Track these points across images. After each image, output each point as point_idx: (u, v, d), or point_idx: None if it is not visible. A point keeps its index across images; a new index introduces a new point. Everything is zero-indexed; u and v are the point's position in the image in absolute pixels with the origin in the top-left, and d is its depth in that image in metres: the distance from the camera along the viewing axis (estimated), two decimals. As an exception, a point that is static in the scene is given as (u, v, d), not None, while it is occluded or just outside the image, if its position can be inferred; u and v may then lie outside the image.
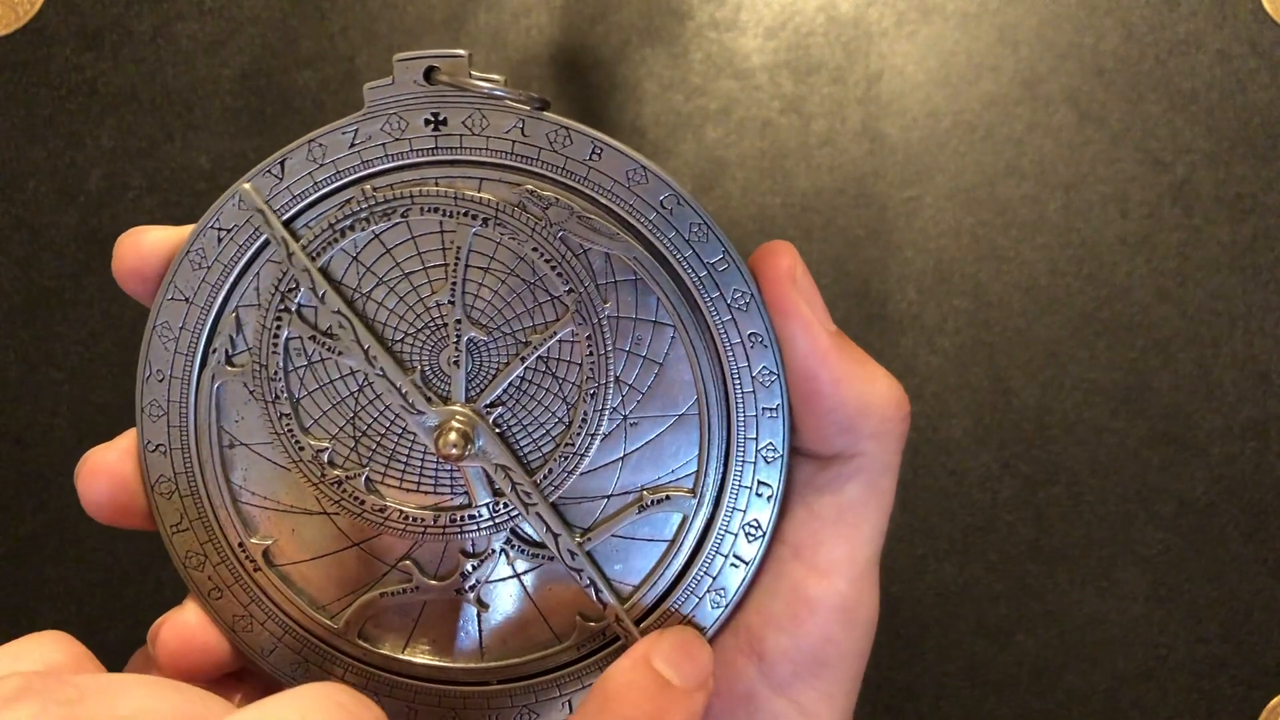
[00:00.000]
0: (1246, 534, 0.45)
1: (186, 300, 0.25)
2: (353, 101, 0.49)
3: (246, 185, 0.25)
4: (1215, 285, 0.46)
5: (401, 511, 0.26)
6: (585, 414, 0.25)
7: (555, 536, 0.26)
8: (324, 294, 0.25)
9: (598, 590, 0.26)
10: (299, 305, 0.25)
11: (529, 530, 0.26)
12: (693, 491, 0.26)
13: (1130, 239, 0.46)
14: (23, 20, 0.48)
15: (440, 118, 0.24)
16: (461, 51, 0.24)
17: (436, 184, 0.25)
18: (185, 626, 0.26)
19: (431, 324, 0.25)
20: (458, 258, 0.25)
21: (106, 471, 0.26)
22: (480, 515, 0.26)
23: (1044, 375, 0.46)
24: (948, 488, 0.46)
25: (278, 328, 0.26)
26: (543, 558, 0.26)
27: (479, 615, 0.27)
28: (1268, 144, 0.46)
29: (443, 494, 0.26)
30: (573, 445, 0.26)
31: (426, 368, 0.26)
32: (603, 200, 0.25)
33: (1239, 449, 0.45)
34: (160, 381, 0.26)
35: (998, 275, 0.46)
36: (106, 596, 0.45)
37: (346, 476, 0.26)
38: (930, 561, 0.45)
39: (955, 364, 0.46)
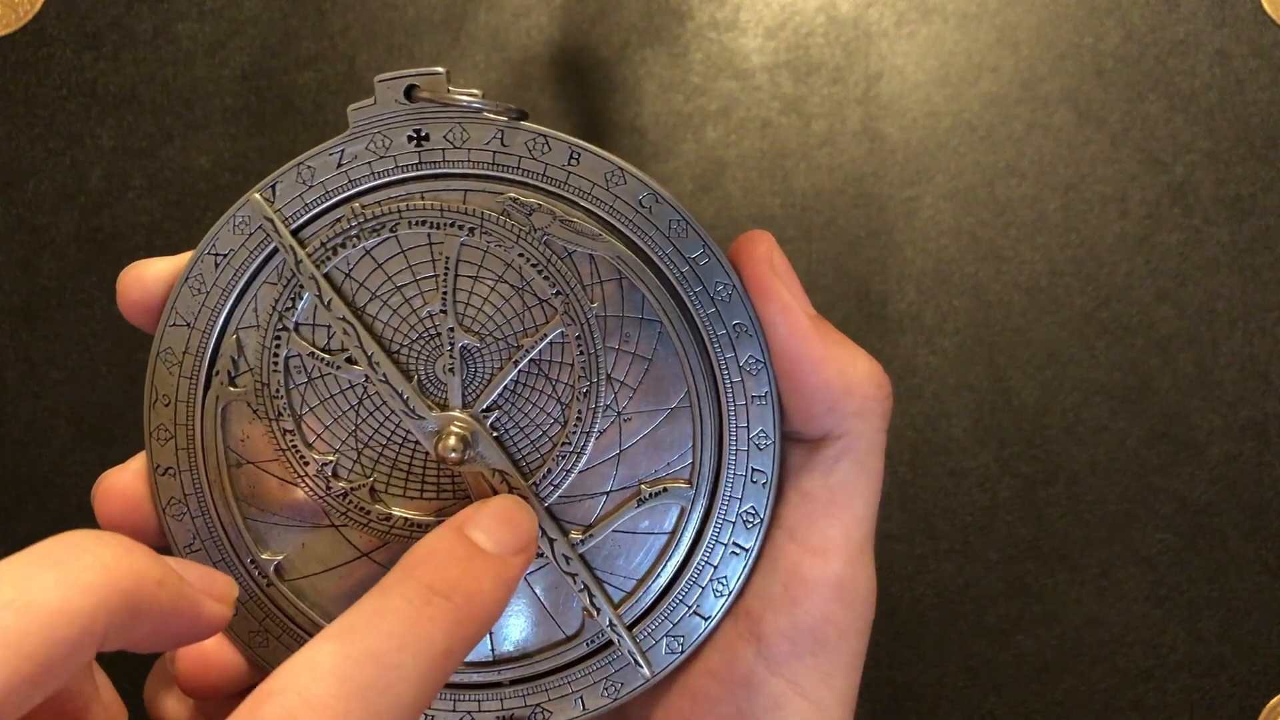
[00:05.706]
0: (1246, 534, 0.45)
1: (188, 325, 0.26)
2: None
3: (256, 195, 0.25)
4: (1215, 285, 0.46)
5: (407, 519, 0.26)
6: (580, 412, 0.26)
7: (551, 541, 0.26)
8: (330, 301, 0.26)
9: (591, 595, 0.26)
10: (296, 323, 0.26)
11: None
12: (689, 482, 0.26)
13: (1130, 239, 0.46)
14: (23, 20, 0.48)
15: (422, 133, 0.25)
16: (440, 69, 0.25)
17: (422, 198, 0.25)
18: (202, 646, 0.26)
19: (426, 334, 0.26)
20: (447, 268, 0.25)
21: (120, 494, 0.27)
22: None
23: (1044, 375, 0.46)
24: (948, 488, 0.46)
25: (277, 346, 0.26)
26: (547, 557, 0.27)
27: None
28: (1268, 144, 0.46)
29: (445, 499, 0.27)
30: (569, 444, 0.26)
31: (423, 376, 0.26)
32: (583, 203, 0.25)
33: (1239, 449, 0.45)
34: (166, 406, 0.26)
35: (998, 275, 0.46)
36: (106, 596, 0.45)
37: (351, 488, 0.26)
38: (930, 561, 0.45)
39: (955, 364, 0.46)
